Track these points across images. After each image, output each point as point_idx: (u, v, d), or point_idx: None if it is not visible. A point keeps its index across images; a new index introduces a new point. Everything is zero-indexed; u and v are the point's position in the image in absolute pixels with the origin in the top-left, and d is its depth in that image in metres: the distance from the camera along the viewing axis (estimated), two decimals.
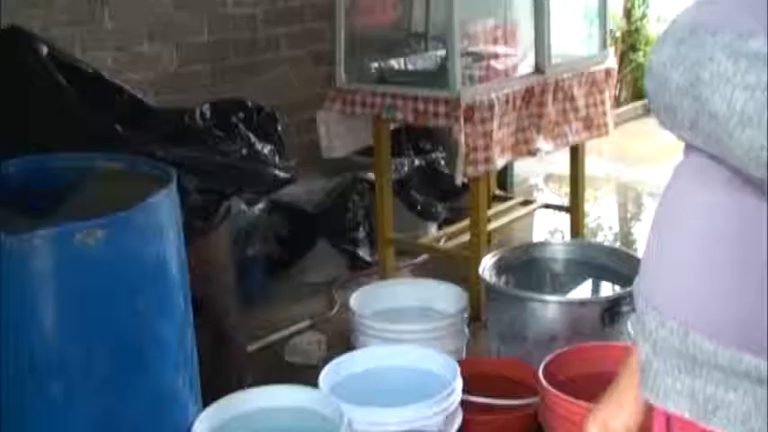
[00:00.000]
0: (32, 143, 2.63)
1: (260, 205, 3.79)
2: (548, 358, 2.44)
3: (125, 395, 2.02)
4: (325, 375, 2.39)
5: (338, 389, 2.41)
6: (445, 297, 2.98)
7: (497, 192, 4.58)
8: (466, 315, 2.86)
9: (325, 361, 3.32)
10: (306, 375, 3.28)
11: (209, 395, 2.78)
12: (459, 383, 2.35)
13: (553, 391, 2.28)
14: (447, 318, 2.79)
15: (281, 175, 2.88)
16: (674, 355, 1.03)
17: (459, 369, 2.38)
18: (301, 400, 2.34)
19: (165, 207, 2.06)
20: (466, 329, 2.89)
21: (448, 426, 2.29)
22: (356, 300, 2.91)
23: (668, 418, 1.09)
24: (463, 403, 2.38)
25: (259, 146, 2.93)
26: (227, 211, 3.00)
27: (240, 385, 3.18)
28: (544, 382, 2.31)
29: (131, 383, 2.03)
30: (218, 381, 3.05)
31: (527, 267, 3.10)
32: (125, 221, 1.94)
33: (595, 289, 3.12)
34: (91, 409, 1.97)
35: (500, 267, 3.02)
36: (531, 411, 2.49)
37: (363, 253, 4.15)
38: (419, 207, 4.37)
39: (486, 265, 2.96)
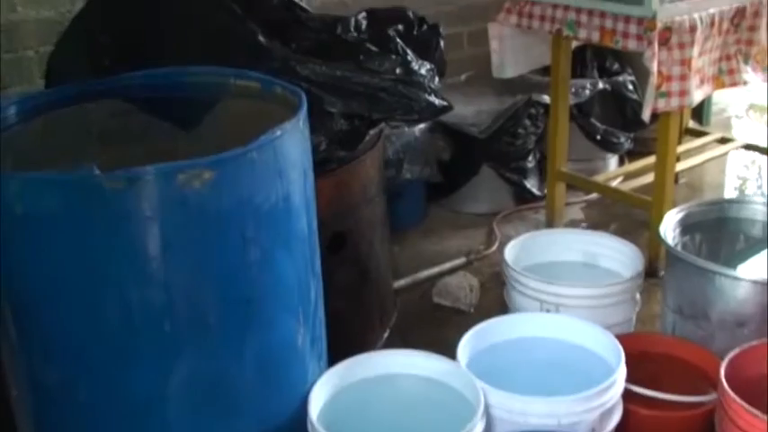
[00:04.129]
0: (167, 50, 2.40)
1: (421, 125, 3.45)
2: (733, 353, 2.02)
3: (235, 353, 1.78)
4: (464, 346, 2.07)
5: (478, 360, 2.09)
6: (617, 255, 2.58)
7: (691, 124, 4.04)
8: (641, 281, 2.45)
9: (476, 308, 3.07)
10: (452, 322, 3.01)
11: (349, 336, 2.57)
12: (622, 372, 1.98)
13: (734, 397, 1.87)
14: (618, 284, 2.39)
15: (437, 102, 2.51)
16: None
17: (623, 355, 2.00)
18: (436, 371, 2.03)
19: (287, 144, 1.76)
20: (638, 296, 2.49)
21: (604, 422, 1.94)
22: (512, 250, 2.55)
23: None
24: (624, 391, 2.01)
25: (416, 65, 2.57)
26: (378, 138, 2.68)
27: (382, 325, 2.95)
28: (725, 385, 1.90)
29: (242, 340, 1.78)
30: (359, 320, 2.82)
31: (718, 227, 2.63)
32: (237, 162, 1.65)
33: None
34: (197, 366, 1.74)
35: (686, 226, 2.57)
36: (709, 410, 2.09)
37: (531, 185, 3.76)
38: (599, 136, 3.92)
39: (670, 223, 2.52)
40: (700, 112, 4.33)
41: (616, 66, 4.04)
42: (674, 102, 2.91)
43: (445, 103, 2.53)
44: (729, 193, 3.99)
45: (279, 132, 1.71)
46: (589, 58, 3.98)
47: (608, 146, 3.96)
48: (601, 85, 3.86)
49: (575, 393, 1.90)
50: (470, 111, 3.65)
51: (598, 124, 3.91)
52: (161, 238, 1.62)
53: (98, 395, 1.74)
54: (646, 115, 2.90)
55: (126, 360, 1.71)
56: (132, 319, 1.67)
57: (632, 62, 4.00)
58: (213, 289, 1.70)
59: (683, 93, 2.90)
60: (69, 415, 1.79)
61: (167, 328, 1.69)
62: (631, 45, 2.94)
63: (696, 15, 2.90)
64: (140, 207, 1.58)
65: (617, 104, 3.95)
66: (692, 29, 2.88)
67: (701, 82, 3.01)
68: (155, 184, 1.57)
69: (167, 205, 1.60)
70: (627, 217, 3.70)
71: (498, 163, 3.69)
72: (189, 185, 1.59)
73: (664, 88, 2.88)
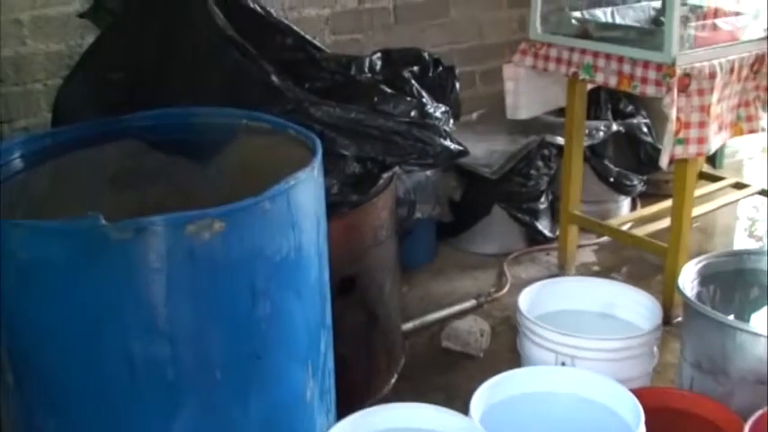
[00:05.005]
0: (179, 89, 2.35)
1: None
2: (756, 416, 1.95)
3: (241, 407, 1.73)
4: (477, 400, 2.00)
5: (491, 414, 2.01)
6: (634, 305, 2.51)
7: (705, 168, 3.98)
8: (659, 335, 2.38)
9: (486, 353, 3.00)
10: (462, 367, 2.95)
11: (355, 381, 2.51)
12: None
13: None
14: (637, 337, 2.32)
15: (453, 147, 2.46)
16: None
17: (643, 417, 1.93)
18: (448, 427, 1.96)
19: (301, 193, 1.71)
20: (656, 349, 2.42)
21: None
22: (526, 297, 2.48)
23: None
24: None
25: (431, 107, 2.52)
26: (390, 180, 2.63)
27: (390, 371, 2.89)
28: None
29: (248, 395, 1.73)
30: (366, 365, 2.76)
31: (734, 277, 2.57)
32: (249, 212, 1.60)
33: None
34: (201, 421, 1.68)
35: (704, 277, 2.50)
36: None
37: (543, 226, 3.70)
38: (612, 179, 3.86)
39: (688, 275, 2.45)
40: (713, 155, 4.27)
41: (630, 108, 3.99)
42: (692, 149, 2.86)
43: (461, 148, 2.48)
44: (741, 238, 3.93)
45: (292, 182, 1.66)
46: (603, 100, 3.93)
47: (621, 188, 3.91)
48: (615, 128, 3.81)
49: None
50: (482, 150, 3.59)
51: (611, 166, 3.85)
52: (167, 289, 1.57)
53: None
54: (663, 162, 2.84)
55: (127, 412, 1.66)
56: (135, 372, 1.62)
57: (646, 104, 3.96)
58: (220, 343, 1.65)
59: (702, 140, 2.85)
60: None
61: (171, 381, 1.64)
62: (650, 91, 2.89)
63: (716, 62, 2.86)
64: (147, 258, 1.54)
65: (631, 147, 3.90)
66: (712, 75, 2.84)
67: (720, 128, 2.96)
68: (163, 235, 1.53)
69: (175, 256, 1.55)
70: (639, 260, 3.64)
71: (510, 203, 3.63)
72: (198, 236, 1.54)
73: (682, 135, 2.83)
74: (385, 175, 2.49)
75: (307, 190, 1.73)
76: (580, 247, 3.65)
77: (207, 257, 1.57)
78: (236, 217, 1.58)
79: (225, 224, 1.55)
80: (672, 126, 2.81)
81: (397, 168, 2.57)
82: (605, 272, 3.56)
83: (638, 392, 2.06)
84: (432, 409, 2.00)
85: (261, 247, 1.63)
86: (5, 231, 1.54)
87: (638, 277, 3.45)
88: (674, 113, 2.80)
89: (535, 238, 3.71)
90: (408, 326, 3.12)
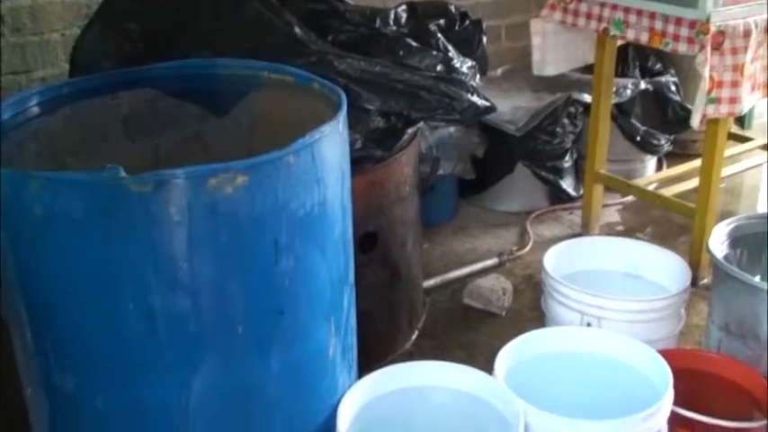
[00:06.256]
0: (198, 40, 2.30)
1: None
2: None
3: (262, 364, 1.69)
4: (502, 359, 1.97)
5: (515, 374, 1.98)
6: (661, 266, 2.47)
7: (733, 128, 3.90)
8: (687, 297, 2.34)
9: (508, 311, 2.97)
10: (483, 324, 2.92)
11: (377, 338, 2.49)
12: (670, 397, 1.87)
13: None
14: (664, 298, 2.28)
15: (480, 102, 2.40)
16: None
17: (671, 379, 1.89)
18: (472, 385, 1.94)
19: (326, 147, 1.66)
20: (683, 311, 2.38)
21: None
22: (551, 257, 2.44)
23: None
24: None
25: (457, 62, 2.46)
26: (414, 136, 2.58)
27: (411, 327, 2.86)
28: None
29: (270, 351, 1.69)
30: (388, 321, 2.73)
31: (763, 239, 2.51)
32: (273, 166, 1.55)
33: None
34: (222, 377, 1.65)
35: (734, 239, 2.45)
36: None
37: (567, 185, 3.64)
38: (639, 137, 3.79)
39: (718, 236, 2.40)
40: (742, 116, 4.17)
41: (658, 66, 3.91)
42: (724, 108, 2.78)
43: (488, 104, 2.42)
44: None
45: (317, 135, 1.61)
46: (631, 57, 3.85)
47: (648, 147, 3.83)
48: (643, 86, 3.73)
49: (618, 414, 1.79)
50: (507, 107, 3.53)
51: (638, 125, 3.78)
52: (188, 243, 1.52)
53: (116, 403, 1.65)
54: (695, 121, 2.77)
55: (147, 368, 1.62)
56: (155, 327, 1.58)
57: (675, 62, 3.87)
58: (242, 298, 1.61)
59: (734, 99, 2.78)
60: (85, 422, 1.70)
61: (192, 337, 1.60)
62: (682, 48, 2.81)
63: (751, 20, 2.77)
64: (168, 211, 1.49)
65: (658, 105, 3.82)
66: (747, 34, 2.75)
67: (752, 88, 2.88)
68: (184, 188, 1.48)
69: (197, 210, 1.50)
70: (664, 221, 3.58)
71: (534, 161, 3.57)
72: (220, 190, 1.50)
73: (714, 94, 2.75)
74: (409, 131, 2.44)
75: (332, 144, 1.68)
76: (604, 206, 3.59)
77: (229, 211, 1.52)
78: (259, 170, 1.53)
79: (248, 178, 1.51)
80: (704, 85, 2.74)
81: (421, 124, 2.52)
82: (629, 232, 3.51)
83: (665, 354, 2.02)
84: (456, 368, 1.98)
85: (285, 201, 1.58)
86: (22, 183, 1.50)
87: (662, 238, 3.40)
88: (707, 72, 2.73)
89: (558, 197, 3.66)
90: (430, 283, 3.09)
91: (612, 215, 3.69)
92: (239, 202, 1.52)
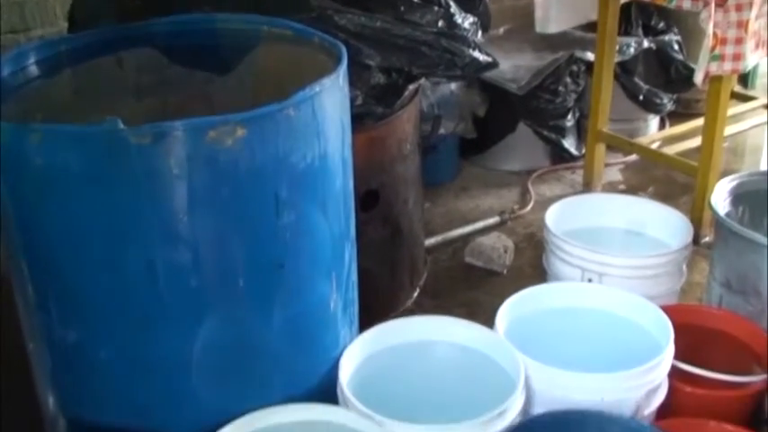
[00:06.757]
0: None
1: None
2: None
3: (264, 317, 1.70)
4: (503, 314, 1.97)
5: (516, 328, 1.99)
6: (663, 223, 2.46)
7: (736, 88, 3.87)
8: (688, 253, 2.34)
9: (509, 269, 2.97)
10: (485, 283, 2.92)
11: (378, 295, 2.49)
12: (670, 351, 1.88)
13: None
14: (665, 255, 2.28)
15: (482, 58, 2.39)
16: None
17: (672, 333, 1.89)
18: (473, 339, 1.94)
19: (326, 100, 1.65)
20: (684, 268, 2.38)
21: (650, 399, 1.84)
22: (553, 214, 2.44)
23: None
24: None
25: (459, 18, 2.44)
26: (415, 93, 2.57)
27: (412, 285, 2.87)
28: None
29: (272, 305, 1.70)
30: (389, 278, 2.74)
31: (765, 197, 2.51)
32: (272, 119, 1.55)
33: None
34: (224, 330, 1.66)
35: (736, 196, 2.44)
36: (757, 390, 1.99)
37: (569, 144, 3.63)
38: (642, 96, 3.77)
39: (720, 193, 2.39)
40: (745, 75, 4.16)
41: (662, 24, 3.87)
42: (728, 65, 2.77)
43: (490, 60, 2.41)
44: None
45: (318, 88, 1.60)
46: (634, 15, 3.81)
47: (650, 106, 3.82)
48: (646, 44, 3.70)
49: (619, 368, 1.80)
50: (508, 65, 3.50)
51: (641, 84, 3.76)
52: (189, 196, 1.52)
53: (119, 356, 1.66)
54: (698, 78, 2.76)
55: (148, 321, 1.63)
56: (156, 280, 1.58)
57: (679, 21, 3.84)
58: (243, 251, 1.61)
59: (738, 56, 2.76)
60: (88, 375, 1.71)
61: (193, 290, 1.61)
62: (686, 4, 2.80)
63: None
64: (167, 164, 1.49)
65: (661, 64, 3.79)
66: None
67: (756, 46, 2.86)
68: (183, 140, 1.48)
69: (196, 163, 1.50)
70: (666, 180, 3.58)
71: (536, 121, 3.55)
72: (220, 142, 1.49)
73: (718, 51, 2.74)
74: (410, 87, 2.43)
75: (332, 97, 1.68)
76: (606, 165, 3.58)
77: (229, 164, 1.52)
78: (259, 123, 1.52)
79: (247, 130, 1.50)
80: (708, 41, 2.72)
81: (422, 80, 2.50)
82: (631, 191, 3.51)
83: (666, 309, 2.03)
84: (457, 323, 1.98)
85: (285, 154, 1.58)
86: (21, 137, 1.49)
87: (664, 197, 3.39)
88: (710, 28, 2.71)
89: (560, 156, 3.65)
90: (431, 241, 3.09)
91: (614, 174, 3.68)
92: (239, 155, 1.52)
